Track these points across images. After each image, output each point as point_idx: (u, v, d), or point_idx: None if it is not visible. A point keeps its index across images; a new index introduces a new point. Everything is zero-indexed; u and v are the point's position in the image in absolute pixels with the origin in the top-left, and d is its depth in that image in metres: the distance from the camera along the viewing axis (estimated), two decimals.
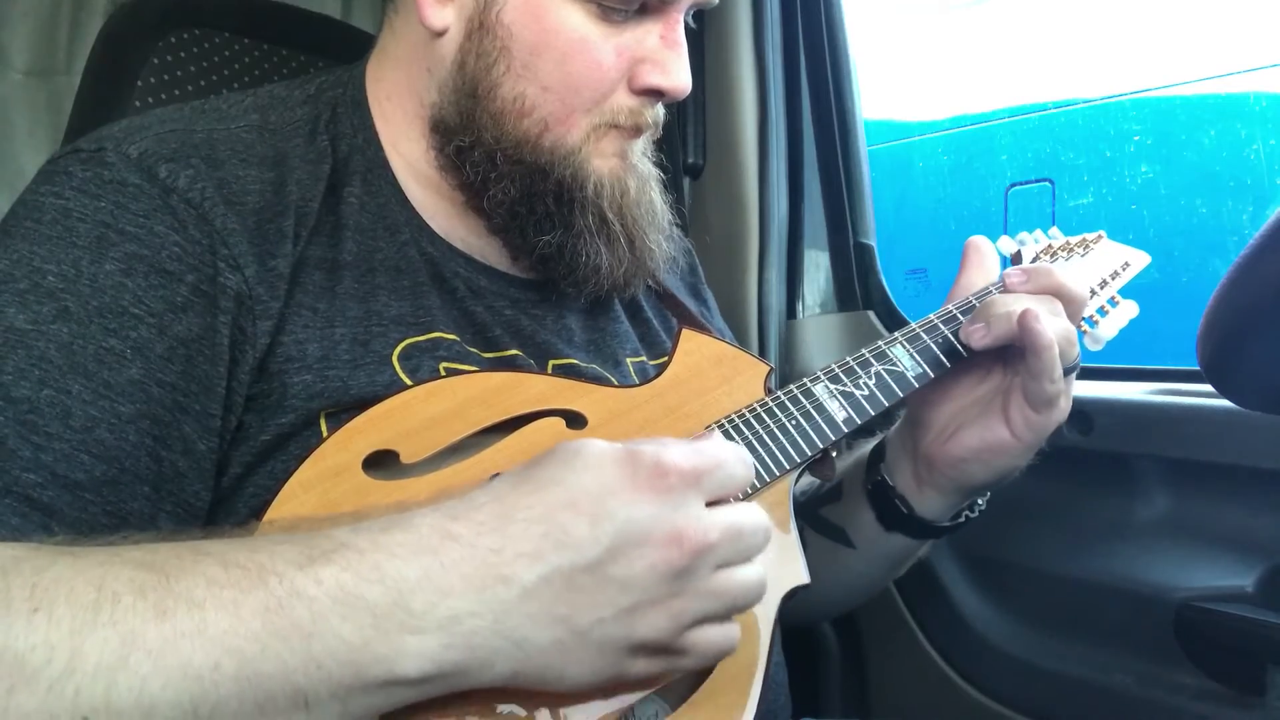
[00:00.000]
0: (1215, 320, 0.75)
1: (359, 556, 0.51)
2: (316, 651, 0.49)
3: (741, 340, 1.42)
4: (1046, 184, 3.04)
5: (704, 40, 1.47)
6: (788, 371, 1.47)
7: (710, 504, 0.56)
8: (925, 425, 0.85)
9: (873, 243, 1.50)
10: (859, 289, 1.49)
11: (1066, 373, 0.78)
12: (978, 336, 0.78)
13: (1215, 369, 0.77)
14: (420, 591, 0.50)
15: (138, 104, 0.95)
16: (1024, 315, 0.75)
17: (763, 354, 1.44)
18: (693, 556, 0.54)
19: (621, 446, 0.55)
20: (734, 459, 0.58)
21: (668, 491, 0.54)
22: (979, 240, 0.90)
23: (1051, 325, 0.75)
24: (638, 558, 0.53)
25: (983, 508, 0.91)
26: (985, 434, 0.81)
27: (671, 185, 0.87)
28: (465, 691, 0.53)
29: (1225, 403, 0.99)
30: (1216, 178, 2.66)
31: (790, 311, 1.50)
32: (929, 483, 0.86)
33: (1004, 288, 0.82)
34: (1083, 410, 1.16)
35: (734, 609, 0.57)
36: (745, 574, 0.56)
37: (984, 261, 0.88)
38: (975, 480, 0.84)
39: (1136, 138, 2.87)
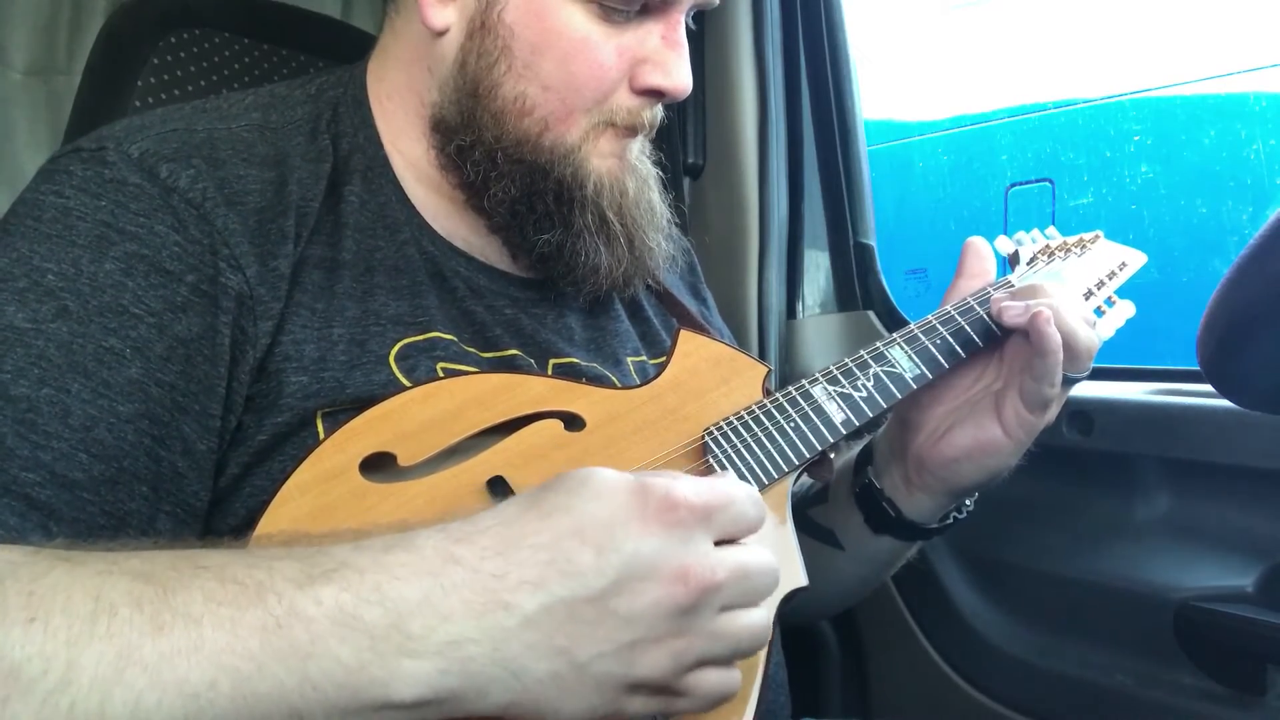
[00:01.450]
0: (1215, 320, 0.75)
1: (359, 577, 0.50)
2: (313, 673, 0.48)
3: (741, 340, 1.42)
4: (1046, 184, 3.04)
5: (704, 40, 1.47)
6: (787, 371, 1.47)
7: (718, 543, 0.55)
8: (916, 427, 0.85)
9: (873, 243, 1.50)
10: (859, 289, 1.49)
11: (1072, 381, 0.78)
12: (1013, 314, 0.77)
13: (1215, 369, 0.77)
14: (419, 615, 0.49)
15: (138, 104, 0.95)
16: (1036, 316, 0.75)
17: (762, 354, 1.44)
18: (698, 595, 0.52)
19: (633, 477, 0.54)
20: (745, 498, 0.56)
21: (677, 526, 0.53)
22: (977, 241, 0.90)
23: (1083, 330, 0.76)
24: (642, 592, 0.51)
25: (970, 508, 0.91)
26: (978, 433, 0.81)
27: (671, 185, 0.87)
28: None
29: (1225, 403, 0.99)
30: (1216, 178, 2.66)
31: (790, 311, 1.50)
32: (919, 485, 0.86)
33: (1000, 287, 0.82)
34: (1083, 410, 1.16)
35: (736, 653, 0.55)
36: (750, 618, 0.55)
37: (982, 263, 0.89)
38: (966, 481, 0.84)
39: (1136, 138, 2.87)
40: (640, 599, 0.51)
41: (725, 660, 0.55)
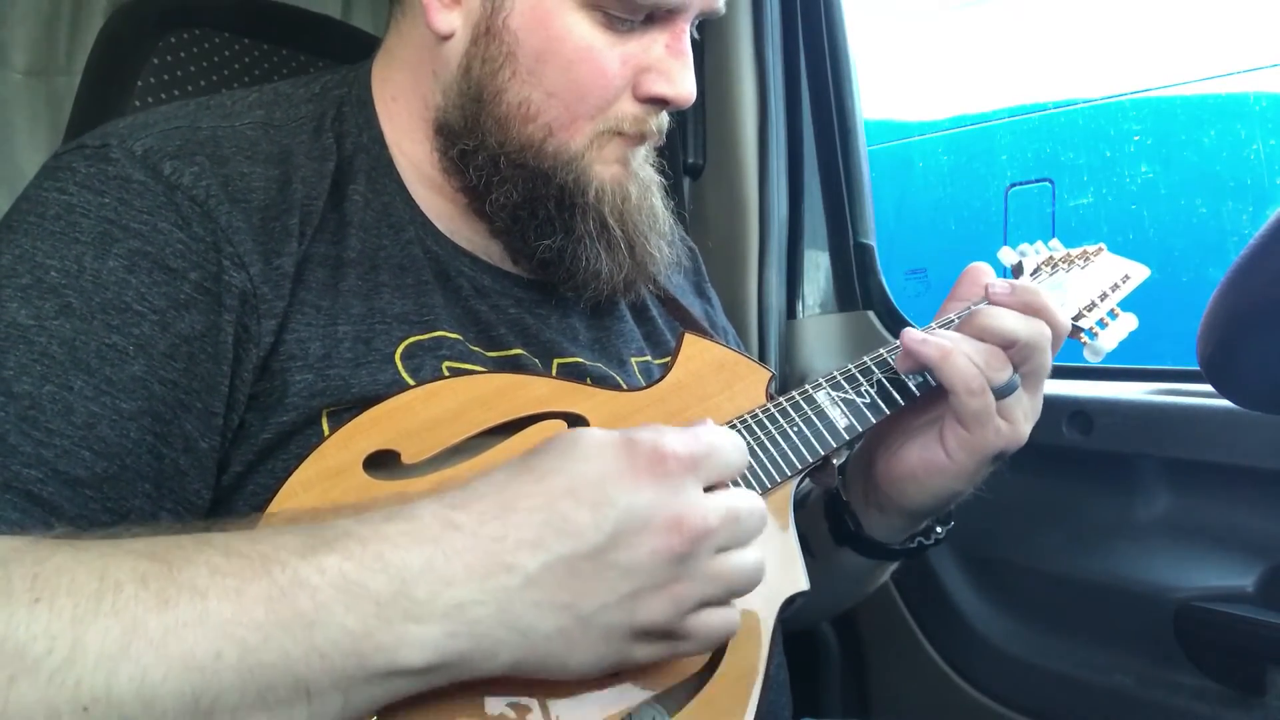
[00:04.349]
0: (1215, 320, 0.75)
1: (361, 546, 0.51)
2: (319, 641, 0.49)
3: (741, 340, 1.42)
4: (1046, 184, 3.05)
5: (704, 41, 1.47)
6: (788, 371, 1.47)
7: (707, 489, 0.57)
8: (880, 442, 0.85)
9: (873, 243, 1.50)
10: (859, 289, 1.50)
11: (998, 395, 0.76)
12: (900, 361, 0.78)
13: (1215, 369, 0.78)
14: (423, 580, 0.50)
15: (138, 104, 0.95)
16: (902, 335, 0.76)
17: (762, 354, 1.44)
18: (693, 541, 0.54)
19: (619, 434, 0.56)
20: (729, 444, 0.59)
21: (666, 477, 0.54)
22: (980, 264, 0.88)
23: (950, 345, 0.74)
24: (639, 544, 0.53)
25: (941, 537, 0.90)
26: (923, 452, 0.80)
27: (671, 186, 0.87)
28: (468, 683, 0.53)
29: (1225, 403, 0.99)
30: (1216, 178, 2.67)
31: (790, 311, 1.50)
32: (873, 502, 0.86)
33: (989, 299, 0.80)
34: (1083, 410, 1.16)
35: (733, 592, 0.57)
36: (744, 558, 0.57)
37: (979, 284, 0.85)
38: (912, 502, 0.83)
39: (1136, 138, 2.87)
40: (638, 550, 0.53)
41: (723, 600, 0.58)
